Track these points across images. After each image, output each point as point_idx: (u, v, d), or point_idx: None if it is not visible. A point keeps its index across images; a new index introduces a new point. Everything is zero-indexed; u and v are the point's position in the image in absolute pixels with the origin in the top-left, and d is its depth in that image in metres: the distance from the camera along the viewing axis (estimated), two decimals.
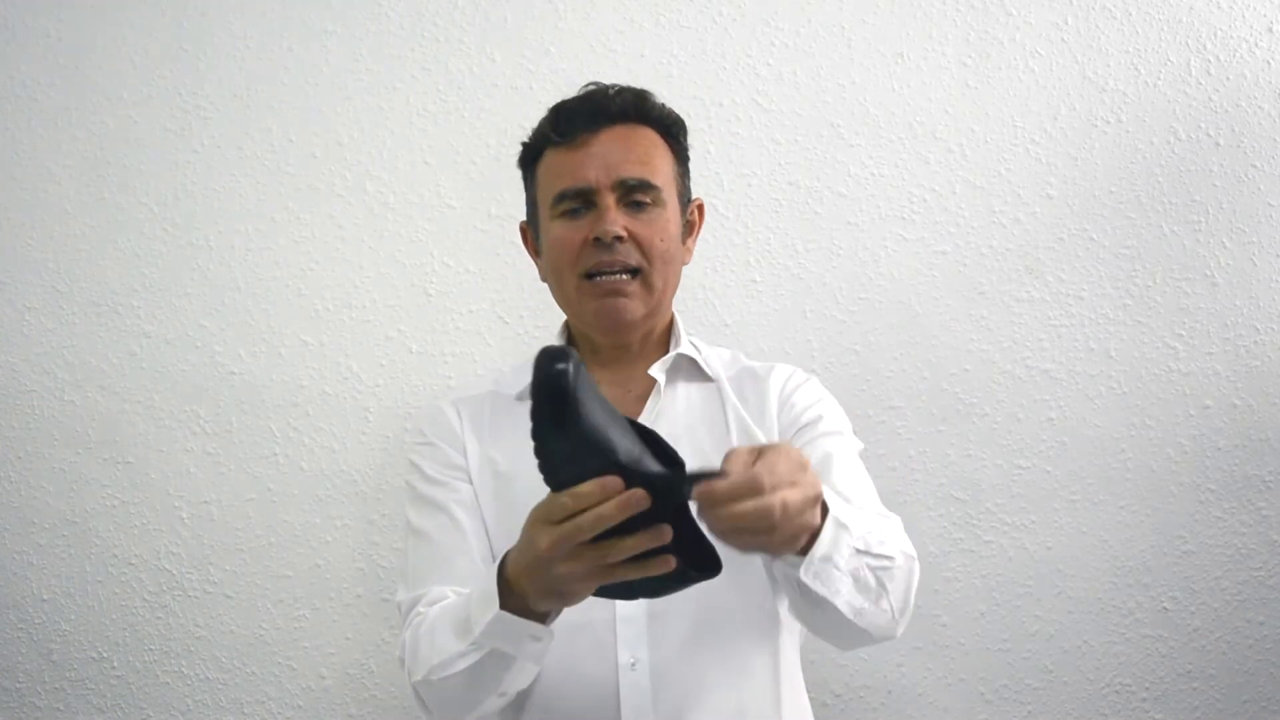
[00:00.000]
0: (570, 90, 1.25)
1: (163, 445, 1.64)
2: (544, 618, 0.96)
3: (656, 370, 1.21)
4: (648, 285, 1.19)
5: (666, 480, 0.84)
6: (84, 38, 1.68)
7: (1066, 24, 1.67)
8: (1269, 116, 1.66)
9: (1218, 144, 1.66)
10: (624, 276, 1.17)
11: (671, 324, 1.28)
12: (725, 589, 1.00)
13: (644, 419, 1.19)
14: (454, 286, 1.66)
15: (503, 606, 0.95)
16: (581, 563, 0.87)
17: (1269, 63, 1.66)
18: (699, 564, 0.88)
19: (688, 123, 1.27)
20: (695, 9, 1.68)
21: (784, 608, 1.15)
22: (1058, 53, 1.67)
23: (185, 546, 1.63)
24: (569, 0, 1.68)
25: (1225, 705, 1.62)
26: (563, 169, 1.19)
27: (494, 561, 1.16)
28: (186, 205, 1.67)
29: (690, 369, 1.25)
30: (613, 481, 0.82)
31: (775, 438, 1.20)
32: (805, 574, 0.96)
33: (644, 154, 1.19)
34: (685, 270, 1.27)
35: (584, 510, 0.84)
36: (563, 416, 0.77)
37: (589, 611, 1.02)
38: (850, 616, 1.00)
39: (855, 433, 1.26)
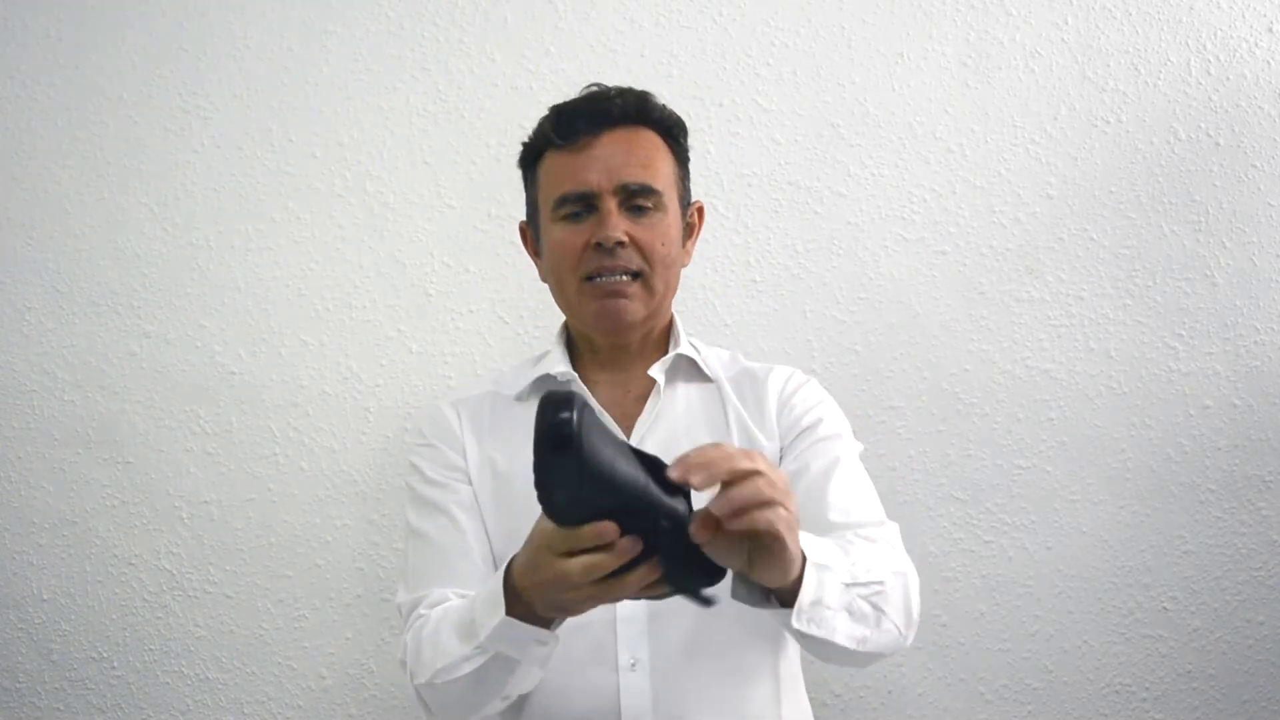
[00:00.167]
0: (570, 90, 1.25)
1: (163, 445, 1.64)
2: (549, 623, 0.96)
3: (656, 371, 1.21)
4: (648, 288, 1.19)
5: (674, 514, 0.83)
6: (84, 38, 1.68)
7: (1066, 24, 1.67)
8: (1269, 116, 1.66)
9: (1218, 144, 1.66)
10: (624, 278, 1.17)
11: (671, 325, 1.28)
12: (725, 589, 1.00)
13: (643, 419, 1.19)
14: (454, 286, 1.66)
15: (508, 611, 0.95)
16: (581, 593, 0.86)
17: (1269, 63, 1.66)
18: (701, 574, 0.87)
19: (688, 123, 1.27)
20: (695, 9, 1.68)
21: None
22: (1058, 53, 1.67)
23: (185, 546, 1.63)
24: (569, 0, 1.68)
25: (1225, 705, 1.62)
26: (564, 172, 1.18)
27: (494, 562, 1.16)
28: (186, 205, 1.67)
29: (690, 369, 1.25)
30: (608, 528, 0.81)
31: (775, 440, 1.21)
32: (798, 622, 0.95)
33: (645, 157, 1.19)
34: (685, 271, 1.27)
35: (582, 551, 0.83)
36: (568, 466, 0.76)
37: (589, 612, 1.02)
38: (855, 647, 1.00)
39: (855, 433, 1.26)
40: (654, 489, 0.81)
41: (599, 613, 1.08)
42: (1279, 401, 1.64)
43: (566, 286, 1.20)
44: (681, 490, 0.84)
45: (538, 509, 1.09)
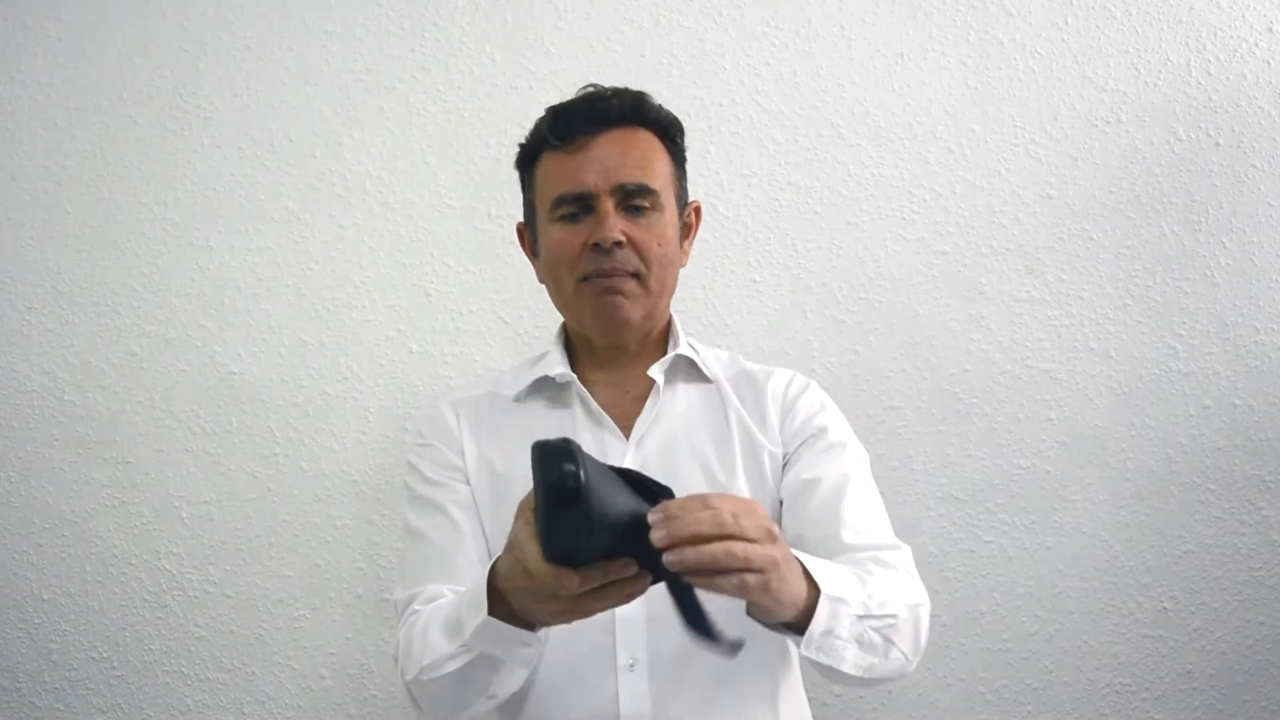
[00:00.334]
0: (570, 90, 1.24)
1: (163, 445, 1.64)
2: (533, 625, 0.96)
3: (655, 371, 1.21)
4: (646, 288, 1.19)
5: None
6: (84, 38, 1.68)
7: (1066, 24, 1.67)
8: (1269, 116, 1.66)
9: (1218, 144, 1.66)
10: (623, 278, 1.17)
11: (669, 325, 1.28)
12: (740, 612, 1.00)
13: (643, 419, 1.19)
14: (454, 286, 1.66)
15: (491, 612, 0.94)
16: (560, 605, 0.86)
17: (1269, 63, 1.66)
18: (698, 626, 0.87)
19: (688, 123, 1.26)
20: (695, 9, 1.68)
21: None
22: (1058, 53, 1.67)
23: (185, 546, 1.63)
24: (569, 0, 1.68)
25: (1225, 705, 1.62)
26: (561, 173, 1.18)
27: (489, 562, 1.16)
28: (186, 205, 1.67)
29: (689, 370, 1.25)
30: (621, 567, 0.81)
31: (778, 445, 1.20)
32: (807, 650, 0.96)
33: (642, 158, 1.18)
34: (685, 271, 1.27)
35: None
36: (577, 518, 0.75)
37: None
38: (861, 675, 1.01)
39: (856, 434, 1.26)
40: (645, 506, 0.81)
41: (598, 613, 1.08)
42: (1279, 401, 1.64)
43: (564, 287, 1.20)
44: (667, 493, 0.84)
45: None
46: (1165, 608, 1.63)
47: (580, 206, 1.17)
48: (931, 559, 1.62)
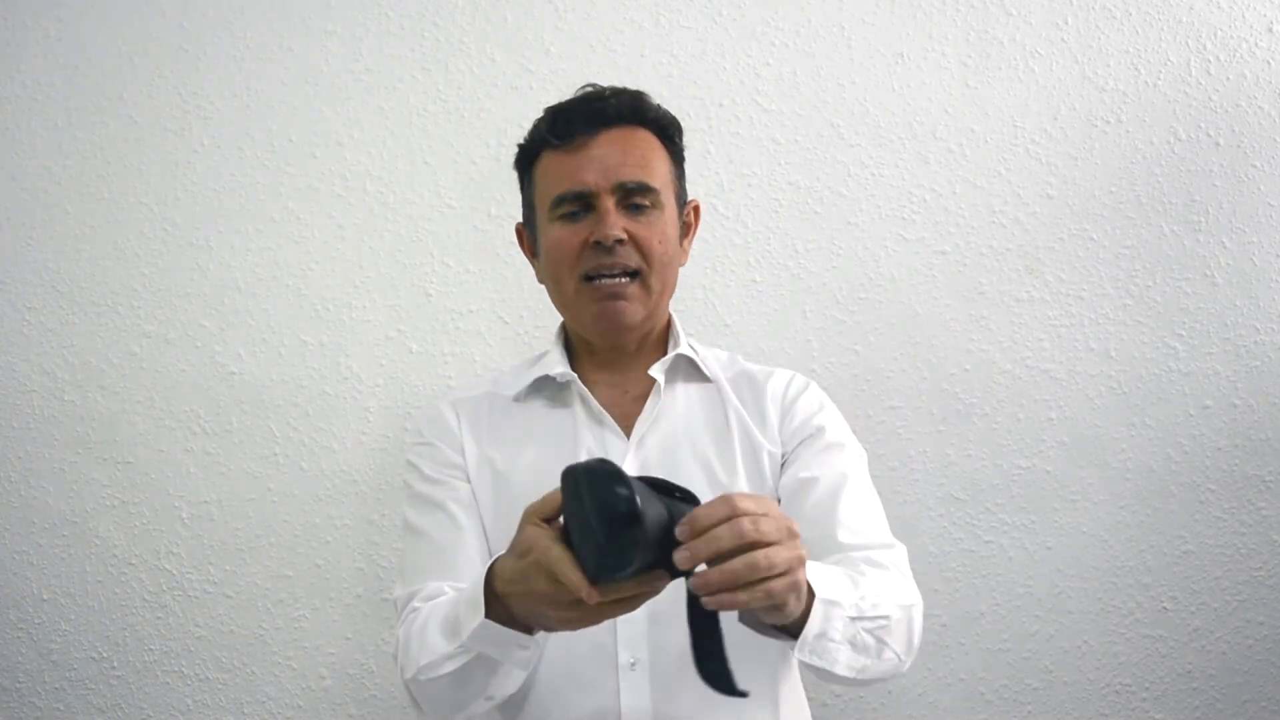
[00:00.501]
0: (570, 90, 1.24)
1: (163, 445, 1.64)
2: (531, 629, 0.96)
3: (656, 370, 1.21)
4: (646, 287, 1.19)
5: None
6: (84, 38, 1.68)
7: (1066, 24, 1.67)
8: (1269, 116, 1.66)
9: (1218, 144, 1.66)
10: (623, 279, 1.17)
11: (669, 325, 1.28)
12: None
13: (643, 419, 1.19)
14: (454, 286, 1.66)
15: (489, 615, 0.94)
16: (578, 614, 0.86)
17: (1269, 63, 1.66)
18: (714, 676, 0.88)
19: (688, 123, 1.27)
20: (695, 9, 1.68)
21: None
22: (1058, 53, 1.67)
23: (185, 546, 1.63)
24: (569, 0, 1.68)
25: (1225, 705, 1.62)
26: (561, 172, 1.18)
27: (489, 560, 1.16)
28: (186, 205, 1.67)
29: (689, 369, 1.25)
30: (660, 579, 0.82)
31: (777, 445, 1.20)
32: (801, 654, 0.96)
33: (642, 157, 1.19)
34: (686, 270, 1.27)
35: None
36: (636, 538, 0.76)
37: None
38: (854, 676, 1.01)
39: (855, 433, 1.26)
40: (679, 518, 0.81)
41: None
42: (1279, 401, 1.64)
43: (565, 286, 1.20)
44: (694, 499, 0.84)
45: None
46: (1165, 608, 1.63)
47: (581, 205, 1.17)
48: (931, 559, 1.62)
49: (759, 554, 0.81)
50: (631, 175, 1.17)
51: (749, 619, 0.92)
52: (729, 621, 0.87)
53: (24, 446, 1.65)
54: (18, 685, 1.63)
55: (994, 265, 1.65)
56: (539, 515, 0.89)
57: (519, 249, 1.32)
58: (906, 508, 1.62)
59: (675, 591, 0.86)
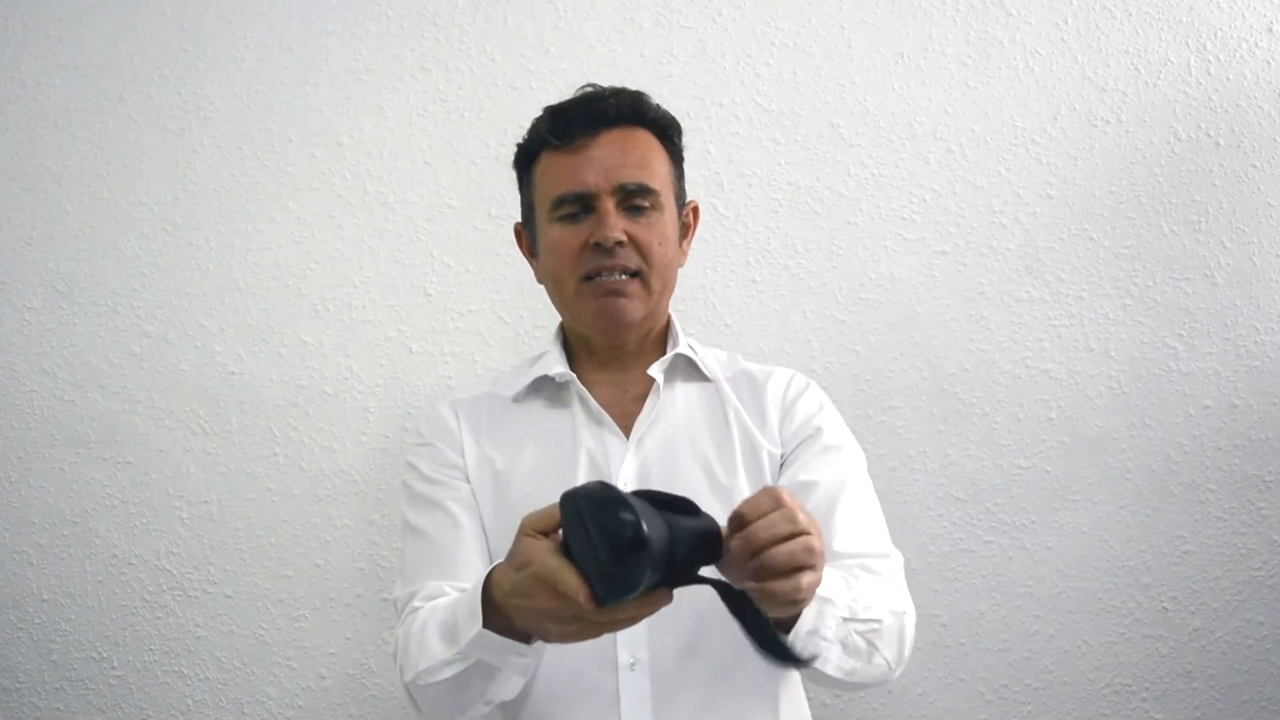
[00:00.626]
0: (570, 90, 1.25)
1: (163, 445, 1.64)
2: (529, 637, 0.96)
3: (655, 370, 1.21)
4: (646, 287, 1.19)
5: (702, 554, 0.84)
6: (84, 38, 1.68)
7: (1066, 24, 1.67)
8: (1269, 116, 1.66)
9: (1218, 144, 1.66)
10: (623, 277, 1.17)
11: (669, 325, 1.28)
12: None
13: (642, 419, 1.19)
14: (454, 286, 1.66)
15: (487, 624, 0.94)
16: (578, 627, 0.86)
17: (1269, 63, 1.66)
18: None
19: (688, 123, 1.27)
20: (695, 9, 1.68)
21: None
22: (1058, 53, 1.67)
23: (185, 546, 1.63)
24: (569, 0, 1.68)
25: (1225, 705, 1.62)
26: (561, 173, 1.18)
27: (491, 560, 1.16)
28: (186, 205, 1.67)
29: (688, 369, 1.25)
30: (663, 597, 0.82)
31: (777, 446, 1.20)
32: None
33: (642, 158, 1.19)
34: (686, 270, 1.27)
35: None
36: (642, 562, 0.76)
37: None
38: (842, 678, 1.03)
39: (855, 433, 1.26)
40: (681, 534, 0.81)
41: None
42: (1279, 401, 1.64)
43: (565, 287, 1.20)
44: (690, 507, 0.84)
45: (534, 509, 1.08)
46: (1165, 608, 1.63)
47: (581, 206, 1.17)
48: (931, 559, 1.62)
49: (804, 540, 0.85)
50: (631, 176, 1.17)
51: (740, 612, 0.92)
52: (726, 620, 0.87)
53: (24, 446, 1.65)
54: (18, 685, 1.63)
55: (994, 265, 1.65)
56: (536, 527, 0.88)
57: (519, 249, 1.32)
58: (906, 508, 1.62)
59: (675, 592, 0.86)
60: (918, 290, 1.65)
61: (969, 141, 1.66)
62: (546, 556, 0.84)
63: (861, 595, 1.02)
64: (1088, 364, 1.64)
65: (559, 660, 1.09)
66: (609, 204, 1.16)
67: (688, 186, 1.29)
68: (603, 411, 1.20)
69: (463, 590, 1.11)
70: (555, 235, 1.19)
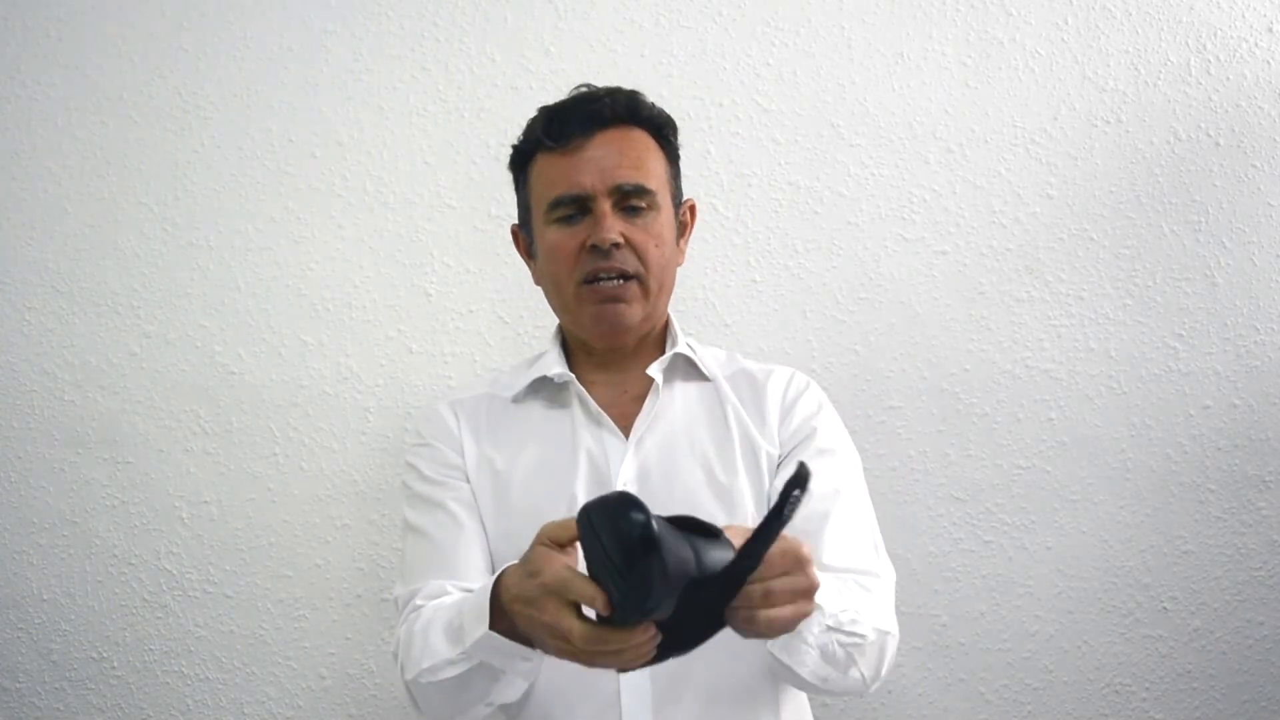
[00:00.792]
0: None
1: (163, 445, 1.64)
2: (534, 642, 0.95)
3: (654, 370, 1.21)
4: (645, 289, 1.19)
5: (736, 575, 0.83)
6: (84, 38, 1.68)
7: (1066, 24, 1.67)
8: (1269, 116, 1.66)
9: (1218, 144, 1.66)
10: (621, 281, 1.17)
11: (667, 325, 1.28)
12: None
13: (641, 418, 1.19)
14: (454, 286, 1.66)
15: (494, 626, 0.94)
16: (571, 648, 0.85)
17: (1269, 63, 1.66)
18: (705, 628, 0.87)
19: (688, 123, 1.27)
20: (695, 9, 1.68)
21: None
22: (1058, 53, 1.67)
23: (185, 546, 1.63)
24: (569, 0, 1.68)
25: (1225, 705, 1.62)
26: (557, 175, 1.18)
27: (491, 559, 1.16)
28: (186, 205, 1.67)
29: (687, 368, 1.25)
30: (651, 631, 0.82)
31: (775, 446, 1.20)
32: (772, 647, 0.99)
33: (638, 158, 1.18)
34: (686, 270, 1.27)
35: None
36: (654, 566, 0.75)
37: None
38: (816, 683, 1.04)
39: (855, 433, 1.26)
40: (702, 559, 0.80)
41: None
42: (1279, 401, 1.64)
43: (563, 290, 1.20)
44: (714, 532, 0.83)
45: (534, 509, 1.08)
46: (1165, 608, 1.63)
47: (577, 208, 1.17)
48: (931, 559, 1.62)
49: (807, 590, 0.88)
50: (628, 177, 1.17)
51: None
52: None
53: (24, 446, 1.65)
54: (18, 685, 1.63)
55: (994, 265, 1.65)
56: (552, 537, 0.88)
57: (516, 250, 1.32)
58: (906, 508, 1.62)
59: None
60: (918, 290, 1.65)
61: (969, 141, 1.66)
62: (558, 567, 0.84)
63: (850, 607, 1.02)
64: (1088, 364, 1.64)
65: (561, 663, 1.09)
66: (605, 205, 1.16)
67: (688, 186, 1.29)
68: (602, 412, 1.20)
69: (466, 590, 1.11)
70: (552, 238, 1.19)
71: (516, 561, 0.93)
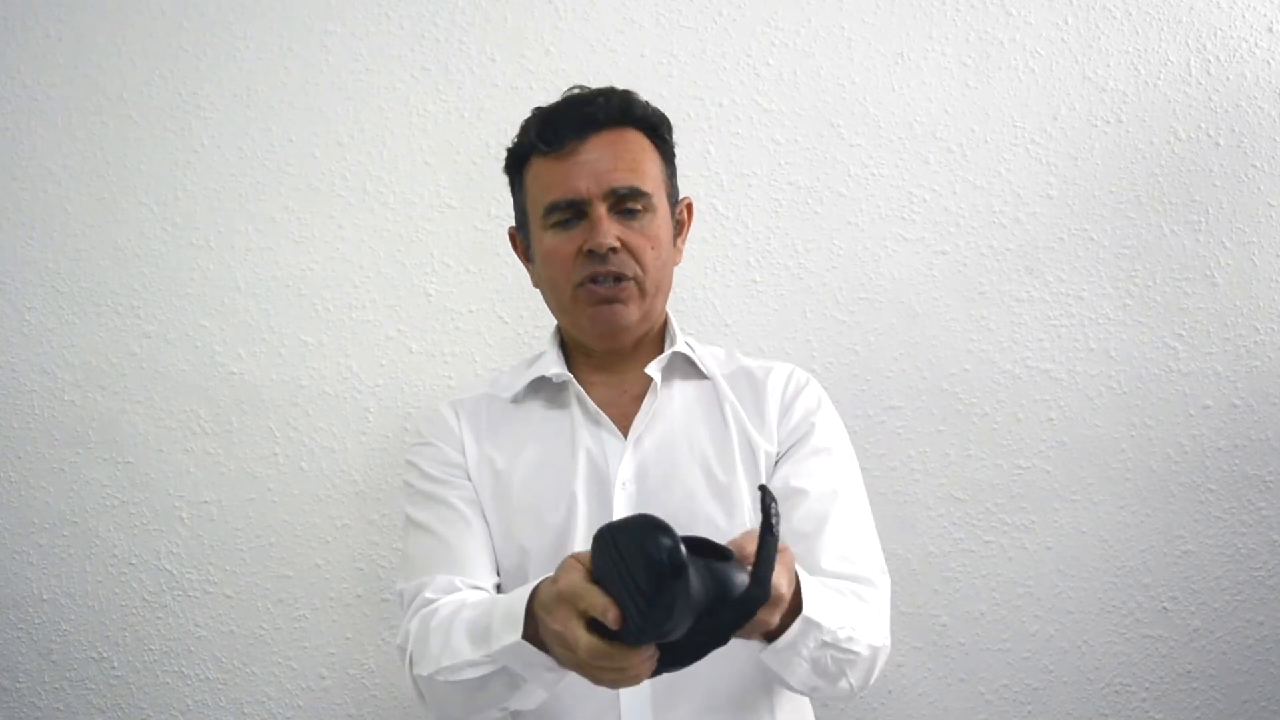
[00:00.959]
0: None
1: (163, 445, 1.64)
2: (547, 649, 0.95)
3: (653, 369, 1.21)
4: (642, 291, 1.19)
5: (752, 603, 0.82)
6: (84, 38, 1.68)
7: (1066, 24, 1.67)
8: (1269, 116, 1.66)
9: (1218, 144, 1.66)
10: (618, 283, 1.17)
11: (666, 324, 1.28)
12: None
13: (640, 418, 1.19)
14: (454, 286, 1.66)
15: (525, 634, 0.94)
16: (575, 658, 0.85)
17: (1269, 63, 1.66)
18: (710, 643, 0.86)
19: (688, 123, 1.27)
20: (695, 9, 1.68)
21: None
22: (1058, 53, 1.67)
23: (185, 546, 1.63)
24: (569, 0, 1.68)
25: (1225, 705, 1.62)
26: (552, 179, 1.18)
27: (496, 558, 1.16)
28: (186, 205, 1.67)
29: (686, 367, 1.25)
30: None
31: (772, 445, 1.20)
32: (765, 656, 1.00)
33: (633, 160, 1.18)
34: (685, 270, 1.27)
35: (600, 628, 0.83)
36: (681, 590, 0.74)
37: None
38: (802, 690, 1.05)
39: (855, 433, 1.26)
40: (721, 583, 0.79)
41: None
42: (1279, 401, 1.64)
43: (561, 294, 1.20)
44: (726, 554, 0.83)
45: (534, 508, 1.08)
46: (1165, 608, 1.63)
47: (573, 213, 1.17)
48: (931, 559, 1.62)
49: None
50: (623, 180, 1.16)
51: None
52: None
53: (24, 446, 1.65)
54: (18, 685, 1.63)
55: (994, 265, 1.65)
56: (583, 566, 0.87)
57: (514, 253, 1.32)
58: (906, 508, 1.62)
59: None
60: (918, 290, 1.65)
61: (969, 141, 1.66)
62: (576, 577, 0.84)
63: (847, 623, 1.02)
64: (1088, 364, 1.64)
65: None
66: (601, 209, 1.16)
67: (688, 186, 1.28)
68: (600, 411, 1.20)
69: (477, 587, 1.12)
70: (549, 243, 1.19)
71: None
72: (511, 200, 1.28)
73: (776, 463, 1.19)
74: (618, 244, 1.15)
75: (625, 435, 1.19)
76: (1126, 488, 1.63)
